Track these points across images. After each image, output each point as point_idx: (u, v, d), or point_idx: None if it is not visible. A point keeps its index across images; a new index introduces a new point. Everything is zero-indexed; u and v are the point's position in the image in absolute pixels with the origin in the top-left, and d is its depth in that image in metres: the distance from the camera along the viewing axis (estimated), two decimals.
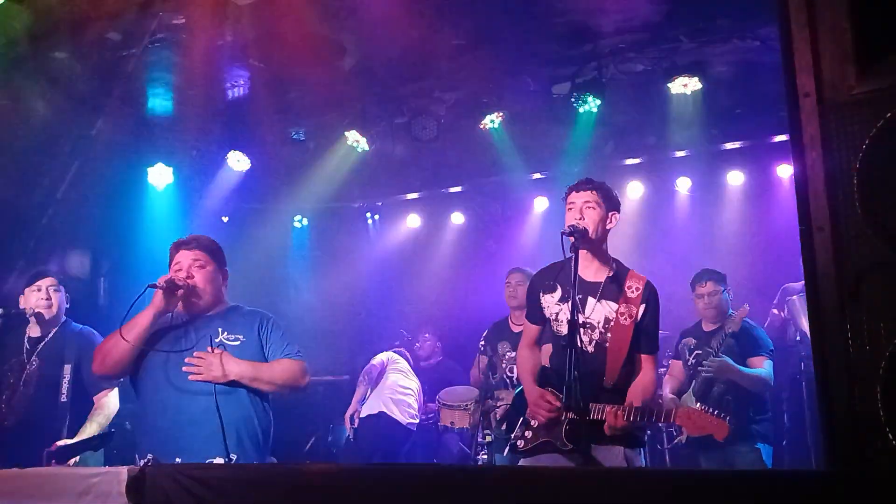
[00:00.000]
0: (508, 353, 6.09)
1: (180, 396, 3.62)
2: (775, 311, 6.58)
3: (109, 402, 4.64)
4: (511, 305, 6.31)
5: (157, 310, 3.64)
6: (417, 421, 7.46)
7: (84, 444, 4.32)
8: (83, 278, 7.70)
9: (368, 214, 10.25)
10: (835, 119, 2.17)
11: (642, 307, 3.81)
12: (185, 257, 3.80)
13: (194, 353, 3.66)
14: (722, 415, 3.59)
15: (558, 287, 3.91)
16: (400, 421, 7.29)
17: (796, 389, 6.23)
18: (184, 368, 3.63)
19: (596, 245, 3.86)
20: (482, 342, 6.37)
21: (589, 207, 3.83)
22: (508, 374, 6.08)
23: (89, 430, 4.48)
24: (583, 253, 3.82)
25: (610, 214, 3.89)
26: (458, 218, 9.86)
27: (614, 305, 3.82)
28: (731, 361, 5.33)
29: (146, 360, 3.71)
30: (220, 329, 3.77)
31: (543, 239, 8.50)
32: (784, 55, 2.29)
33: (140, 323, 3.63)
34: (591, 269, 3.89)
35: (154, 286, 3.62)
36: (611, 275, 3.88)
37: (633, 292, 3.82)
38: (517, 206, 9.30)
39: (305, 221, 10.07)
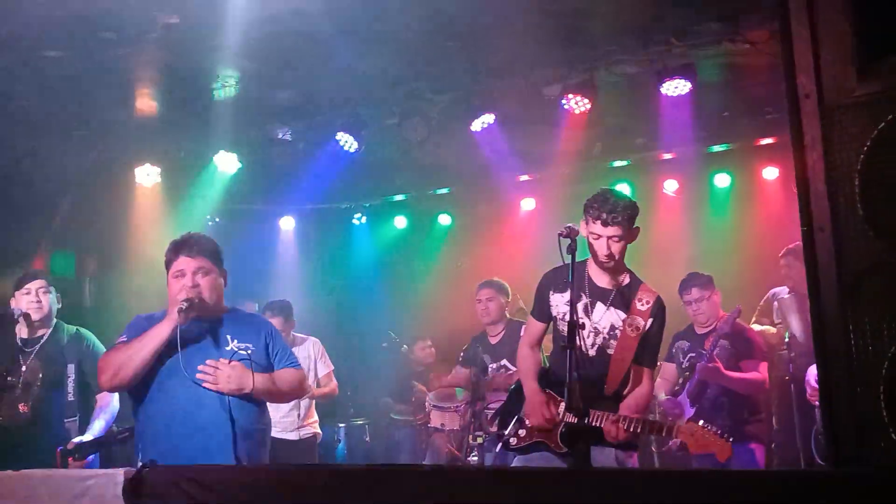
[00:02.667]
0: (492, 365, 6.06)
1: (189, 404, 3.55)
2: (765, 325, 6.51)
3: (113, 400, 4.75)
4: (484, 322, 6.18)
5: (176, 324, 3.51)
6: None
7: (102, 440, 4.49)
8: (69, 279, 7.66)
9: (358, 215, 10.19)
10: (836, 121, 2.17)
11: (650, 321, 3.83)
12: (187, 265, 3.65)
13: (207, 362, 3.56)
14: (725, 435, 3.61)
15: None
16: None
17: (784, 391, 6.25)
18: (198, 376, 3.54)
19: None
20: (461, 355, 6.34)
21: (615, 241, 3.78)
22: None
23: (97, 426, 4.63)
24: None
25: (632, 234, 3.86)
26: (445, 219, 9.86)
27: (623, 315, 3.84)
28: (721, 368, 5.28)
29: (151, 369, 3.59)
30: (228, 336, 3.69)
31: (531, 240, 8.50)
32: (784, 56, 2.28)
33: (158, 336, 3.52)
34: (605, 276, 3.93)
35: (180, 310, 3.51)
36: (624, 284, 3.92)
37: (643, 305, 3.84)
38: (505, 208, 9.27)
39: (293, 222, 10.03)
